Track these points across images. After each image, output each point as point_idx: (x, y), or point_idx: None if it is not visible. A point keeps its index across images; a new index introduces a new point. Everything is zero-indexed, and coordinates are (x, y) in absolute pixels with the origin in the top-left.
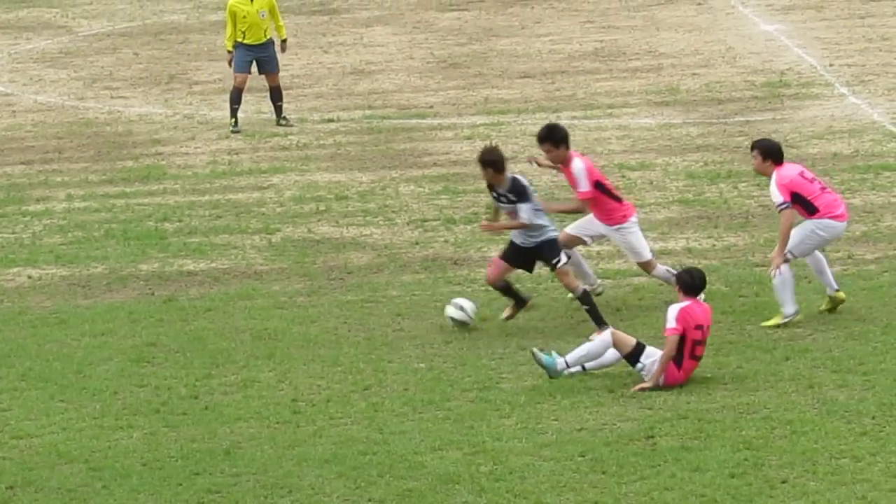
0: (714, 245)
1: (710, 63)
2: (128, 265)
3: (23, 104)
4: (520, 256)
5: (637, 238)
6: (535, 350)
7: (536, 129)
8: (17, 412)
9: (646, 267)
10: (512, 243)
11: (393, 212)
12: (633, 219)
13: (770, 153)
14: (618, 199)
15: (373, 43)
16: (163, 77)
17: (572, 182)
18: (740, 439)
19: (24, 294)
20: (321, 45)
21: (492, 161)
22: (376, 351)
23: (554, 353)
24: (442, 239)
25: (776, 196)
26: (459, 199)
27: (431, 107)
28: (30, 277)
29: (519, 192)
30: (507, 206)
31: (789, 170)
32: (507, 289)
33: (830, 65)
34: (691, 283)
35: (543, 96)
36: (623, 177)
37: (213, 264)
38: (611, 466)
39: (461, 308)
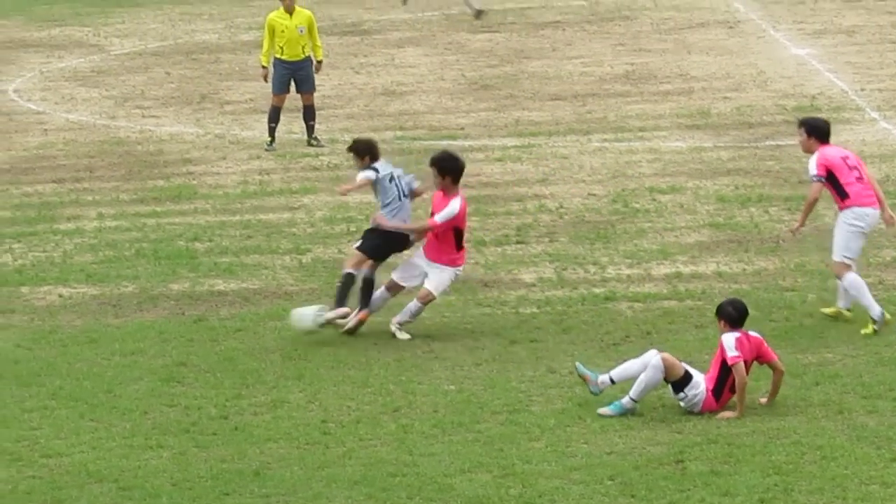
0: (744, 269)
1: (741, 87)
2: (158, 284)
3: (54, 123)
4: None
5: (447, 281)
6: (601, 410)
7: (567, 151)
8: (47, 431)
9: (425, 297)
10: None
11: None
12: (459, 271)
13: (815, 130)
14: (461, 247)
15: (404, 64)
16: (194, 96)
17: (437, 209)
18: (770, 464)
19: (55, 312)
20: (352, 66)
21: (358, 147)
22: (406, 373)
23: (600, 388)
24: (472, 261)
25: (812, 168)
26: (490, 220)
27: (462, 128)
28: (60, 296)
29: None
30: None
31: (833, 150)
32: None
33: (861, 89)
34: (736, 315)
35: (574, 119)
36: (654, 200)
37: (244, 284)
38: (640, 490)
39: (321, 320)
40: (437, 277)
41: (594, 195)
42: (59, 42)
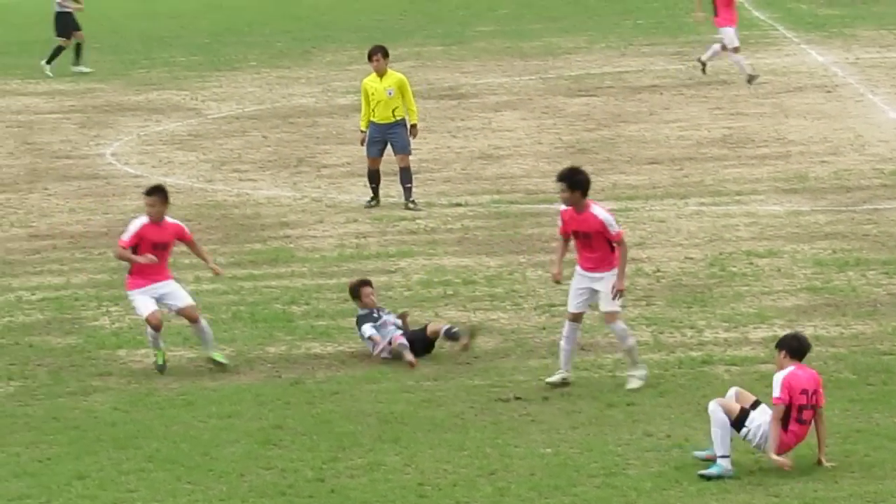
0: (842, 333)
1: (838, 151)
2: (255, 347)
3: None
4: None
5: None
6: (700, 473)
7: (664, 215)
8: (144, 493)
9: (611, 318)
10: None
11: (520, 297)
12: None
13: None
14: (613, 249)
15: (501, 128)
16: (291, 160)
17: (595, 226)
18: None
19: (152, 375)
20: (449, 130)
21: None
22: (502, 435)
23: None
24: None
25: None
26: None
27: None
28: None
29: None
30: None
31: None
32: None
33: None
34: (798, 347)
35: (671, 182)
36: (751, 264)
37: (341, 347)
38: None
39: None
40: (606, 291)
41: (691, 259)
42: (156, 106)
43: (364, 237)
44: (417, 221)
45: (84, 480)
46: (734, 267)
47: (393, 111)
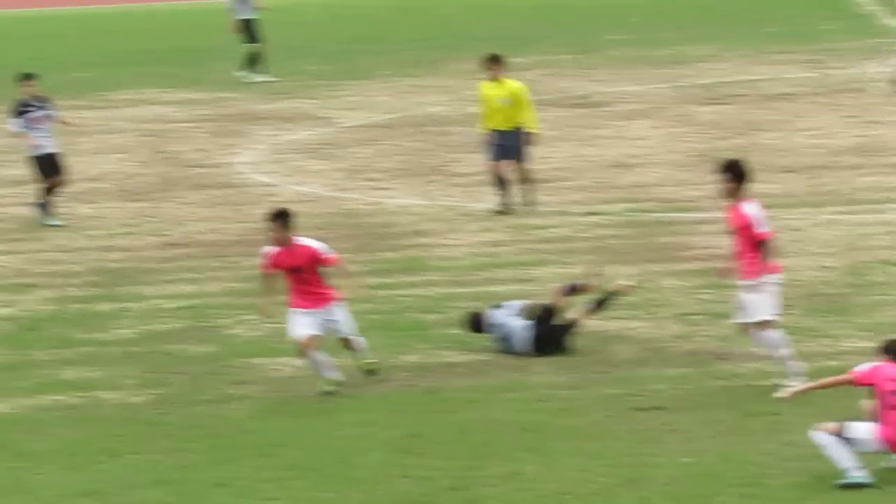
0: None
1: None
2: (390, 356)
3: (284, 195)
4: None
5: (766, 297)
6: (837, 483)
7: (799, 223)
8: (284, 502)
9: (760, 327)
10: None
11: (656, 305)
12: (772, 278)
13: None
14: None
15: (633, 136)
16: (423, 168)
17: (741, 222)
18: None
19: (289, 384)
20: (581, 138)
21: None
22: (641, 445)
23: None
24: (706, 333)
25: None
26: (724, 293)
27: (694, 201)
28: (295, 367)
29: None
30: None
31: None
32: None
33: None
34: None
35: (806, 191)
36: (888, 272)
37: (476, 356)
38: None
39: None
40: (752, 301)
41: (827, 267)
42: (287, 114)
43: (497, 245)
44: (551, 230)
45: (224, 488)
46: (871, 276)
47: (509, 119)
